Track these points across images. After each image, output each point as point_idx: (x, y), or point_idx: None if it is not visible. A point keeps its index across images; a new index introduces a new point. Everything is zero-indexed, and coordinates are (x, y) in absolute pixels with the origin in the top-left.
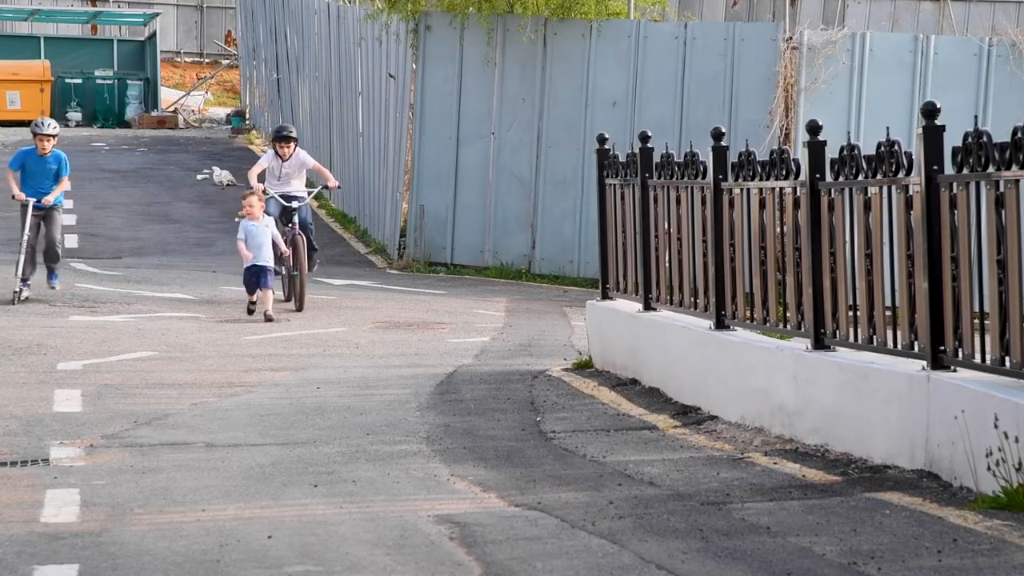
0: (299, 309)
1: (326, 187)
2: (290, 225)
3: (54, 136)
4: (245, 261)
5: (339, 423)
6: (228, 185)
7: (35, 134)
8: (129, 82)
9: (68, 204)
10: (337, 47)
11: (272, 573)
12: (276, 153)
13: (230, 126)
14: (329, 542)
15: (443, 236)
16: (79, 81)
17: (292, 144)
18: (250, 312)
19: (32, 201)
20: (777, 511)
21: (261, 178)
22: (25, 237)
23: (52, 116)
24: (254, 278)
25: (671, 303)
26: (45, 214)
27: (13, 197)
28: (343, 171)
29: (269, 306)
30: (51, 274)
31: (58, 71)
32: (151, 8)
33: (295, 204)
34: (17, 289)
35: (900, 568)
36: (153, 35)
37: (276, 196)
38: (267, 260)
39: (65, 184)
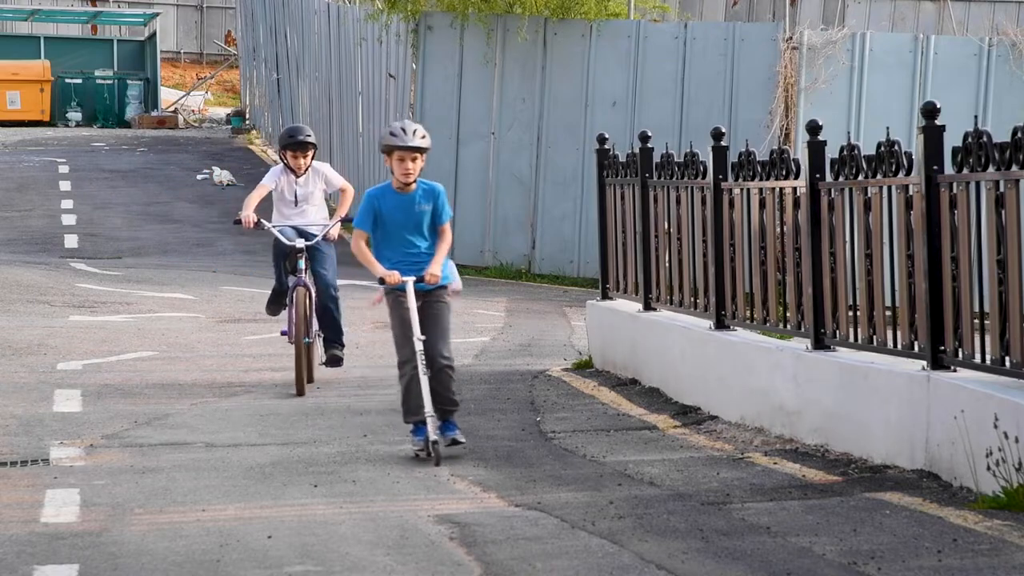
0: (298, 392)
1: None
2: (297, 273)
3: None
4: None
5: (339, 423)
6: (228, 184)
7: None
8: (129, 82)
9: (68, 204)
10: (337, 47)
11: (272, 573)
12: (286, 166)
13: (230, 126)
14: (329, 542)
15: None
16: (79, 81)
17: (309, 153)
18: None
19: (411, 280)
20: (777, 511)
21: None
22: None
23: (52, 116)
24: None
25: (671, 303)
26: (424, 304)
27: (382, 282)
28: (343, 171)
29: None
30: None
31: (58, 71)
32: (151, 8)
33: (299, 243)
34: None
35: (900, 568)
36: (153, 35)
37: (279, 231)
38: None
39: (448, 240)
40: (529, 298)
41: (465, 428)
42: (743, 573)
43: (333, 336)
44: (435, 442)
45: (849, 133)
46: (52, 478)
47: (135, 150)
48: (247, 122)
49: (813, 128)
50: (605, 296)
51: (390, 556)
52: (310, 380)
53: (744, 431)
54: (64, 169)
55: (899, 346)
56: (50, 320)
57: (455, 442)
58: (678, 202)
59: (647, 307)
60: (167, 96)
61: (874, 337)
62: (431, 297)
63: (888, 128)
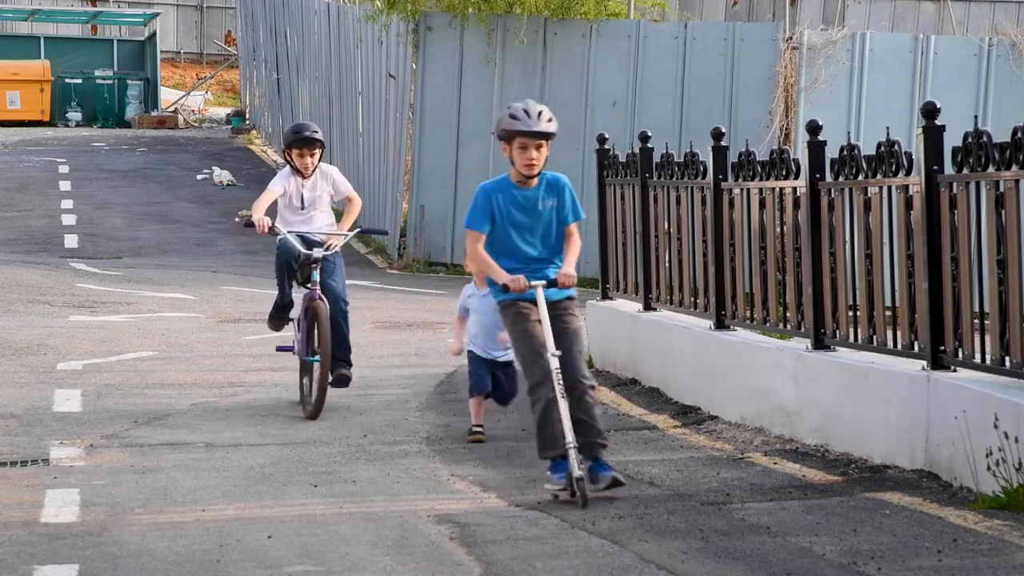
0: (312, 415)
1: (369, 231)
2: (310, 285)
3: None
4: (468, 345)
5: (339, 423)
6: (228, 184)
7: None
8: (129, 82)
9: (68, 204)
10: (337, 47)
11: (272, 573)
12: (293, 167)
13: (230, 126)
14: (329, 542)
15: (443, 236)
16: (79, 81)
17: (317, 151)
18: (474, 435)
19: (540, 286)
20: (777, 511)
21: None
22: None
23: (52, 116)
24: (487, 377)
25: (671, 303)
26: (552, 316)
27: (505, 290)
28: (343, 172)
29: (479, 417)
30: None
31: (58, 71)
32: (151, 8)
33: (317, 252)
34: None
35: (900, 568)
36: (153, 35)
37: (291, 236)
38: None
39: (578, 242)
40: None
41: (465, 428)
42: (743, 573)
43: (341, 354)
44: (580, 479)
45: (849, 133)
46: (52, 478)
47: (135, 150)
48: (247, 122)
49: (813, 128)
50: (605, 296)
51: (390, 556)
52: (317, 411)
53: (744, 431)
54: (64, 169)
55: (899, 346)
56: (50, 320)
57: (616, 483)
58: (678, 202)
59: (647, 307)
60: (167, 96)
61: (874, 337)
62: (559, 308)
63: (888, 128)
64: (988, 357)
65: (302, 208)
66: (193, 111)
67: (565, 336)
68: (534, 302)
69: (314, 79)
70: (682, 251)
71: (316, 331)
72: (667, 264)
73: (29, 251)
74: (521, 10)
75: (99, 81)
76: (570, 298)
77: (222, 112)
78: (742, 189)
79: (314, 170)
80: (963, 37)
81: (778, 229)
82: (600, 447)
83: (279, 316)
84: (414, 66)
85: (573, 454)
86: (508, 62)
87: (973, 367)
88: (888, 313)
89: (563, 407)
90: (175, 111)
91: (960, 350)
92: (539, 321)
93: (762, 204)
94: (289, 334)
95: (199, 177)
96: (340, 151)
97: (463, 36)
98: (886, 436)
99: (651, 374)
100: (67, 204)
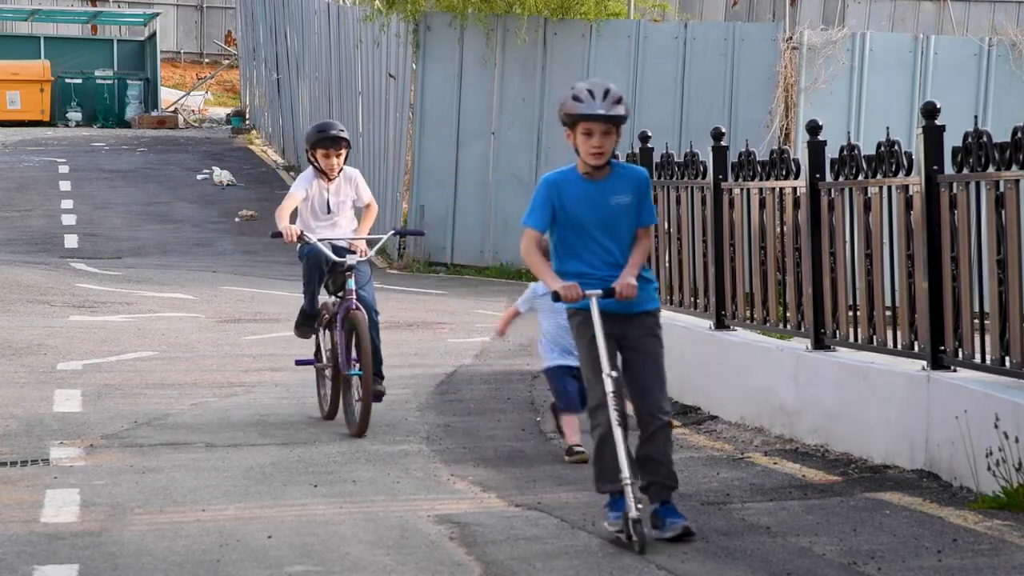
0: (358, 433)
1: (406, 233)
2: (341, 293)
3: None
4: (545, 360)
5: (339, 423)
6: (228, 184)
7: None
8: (129, 82)
9: (68, 204)
10: (337, 47)
11: (272, 573)
12: (317, 169)
13: (230, 126)
14: (329, 542)
15: (443, 236)
16: (79, 81)
17: (343, 152)
18: (572, 454)
19: (595, 296)
20: (777, 511)
21: (294, 218)
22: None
23: (52, 116)
24: (576, 394)
25: (671, 303)
26: (626, 334)
27: (557, 298)
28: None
29: (575, 435)
30: None
31: (58, 71)
32: (151, 8)
33: (350, 258)
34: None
35: (900, 568)
36: (153, 35)
37: (323, 244)
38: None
39: (646, 246)
40: None
41: (465, 428)
42: (743, 573)
43: (375, 367)
44: (637, 520)
45: (849, 133)
46: (52, 478)
47: (135, 150)
48: (247, 122)
49: (813, 128)
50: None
51: (390, 556)
52: (364, 428)
53: (744, 431)
54: (64, 169)
55: (899, 346)
56: (50, 320)
57: (687, 533)
58: (678, 202)
59: None
60: (167, 96)
61: (874, 337)
62: (636, 325)
63: (888, 128)
64: (988, 357)
65: (327, 212)
66: (193, 111)
67: (641, 362)
68: (606, 312)
69: (314, 79)
70: (682, 251)
71: (355, 342)
72: (667, 264)
73: (29, 251)
74: (521, 10)
75: (99, 81)
76: (649, 312)
77: (222, 112)
78: (742, 189)
79: (339, 172)
80: (963, 37)
81: (778, 229)
82: (669, 489)
83: (307, 324)
84: (414, 66)
85: (629, 491)
86: (508, 62)
87: (973, 367)
88: (888, 313)
89: (619, 436)
90: (175, 111)
91: (960, 350)
92: (596, 334)
93: (762, 204)
94: (306, 350)
95: (199, 177)
96: None
97: (463, 36)
98: (886, 436)
99: None
100: (67, 204)
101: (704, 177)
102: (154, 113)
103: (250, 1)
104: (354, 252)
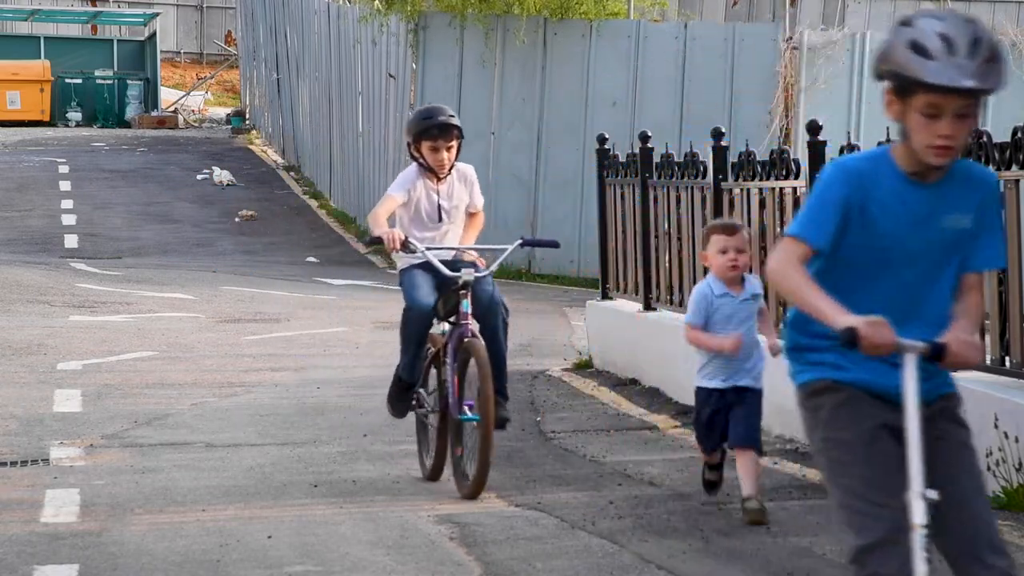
0: (472, 494)
1: (536, 243)
2: (453, 318)
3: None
4: (702, 378)
5: (339, 423)
6: (228, 184)
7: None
8: (129, 82)
9: (68, 204)
10: (337, 47)
11: (272, 573)
12: (422, 166)
13: (230, 126)
14: (329, 542)
15: None
16: (79, 81)
17: (455, 144)
18: (710, 487)
19: (914, 352)
20: (777, 511)
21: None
22: None
23: (52, 116)
24: (720, 416)
25: (671, 303)
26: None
27: (850, 340)
28: (343, 171)
29: (752, 487)
30: None
31: (58, 71)
32: (151, 8)
33: (466, 274)
34: None
35: None
36: (153, 35)
37: (433, 258)
38: (751, 376)
39: (979, 303)
40: (529, 298)
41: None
42: (743, 573)
43: (499, 384)
44: None
45: (849, 133)
46: (52, 478)
47: (135, 150)
48: (247, 122)
49: (813, 128)
50: (605, 296)
51: (390, 556)
52: (478, 489)
53: None
54: (64, 169)
55: None
56: (50, 320)
57: None
58: (678, 202)
59: (647, 307)
60: (167, 96)
61: None
62: (937, 411)
63: (888, 128)
64: (988, 357)
65: (438, 220)
66: (193, 111)
67: (958, 465)
68: (882, 395)
69: (314, 79)
70: (682, 251)
71: (468, 378)
72: (667, 264)
73: (29, 251)
74: (520, 10)
75: (99, 81)
76: (951, 396)
77: (222, 112)
78: (742, 189)
79: (451, 169)
80: None
81: (778, 229)
82: None
83: (404, 399)
84: (414, 66)
85: None
86: (508, 62)
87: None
88: None
89: None
90: (175, 111)
91: None
92: (891, 429)
93: (762, 204)
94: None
95: (199, 177)
96: (340, 151)
97: (462, 36)
98: None
99: (651, 374)
100: (67, 204)
101: (704, 177)
102: (154, 113)
103: (250, 1)
104: (470, 264)
